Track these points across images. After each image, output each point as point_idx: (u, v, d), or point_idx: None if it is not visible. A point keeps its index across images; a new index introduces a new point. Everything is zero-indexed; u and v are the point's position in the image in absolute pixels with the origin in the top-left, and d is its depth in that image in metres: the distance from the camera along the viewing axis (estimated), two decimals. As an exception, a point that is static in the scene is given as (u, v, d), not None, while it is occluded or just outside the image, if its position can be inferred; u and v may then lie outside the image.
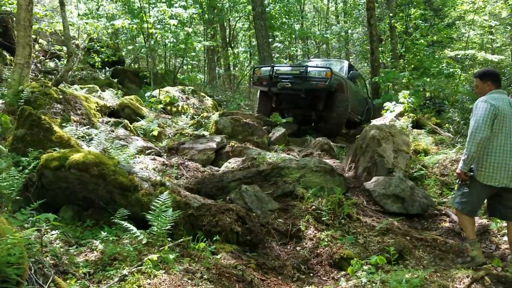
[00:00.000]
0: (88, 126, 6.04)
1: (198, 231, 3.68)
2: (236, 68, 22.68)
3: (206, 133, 7.75)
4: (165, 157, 6.56)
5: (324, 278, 3.51)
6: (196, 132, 7.66)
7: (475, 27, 19.62)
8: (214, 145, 6.98)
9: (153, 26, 9.84)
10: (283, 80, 8.15)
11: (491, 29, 21.42)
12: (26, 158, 3.92)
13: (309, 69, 8.15)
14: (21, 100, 6.03)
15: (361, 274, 3.10)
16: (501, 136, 3.45)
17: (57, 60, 11.70)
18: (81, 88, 8.32)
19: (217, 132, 7.77)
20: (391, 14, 17.89)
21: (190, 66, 17.57)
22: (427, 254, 3.94)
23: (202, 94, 10.84)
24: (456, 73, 18.23)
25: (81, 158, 3.53)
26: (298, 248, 3.97)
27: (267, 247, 3.96)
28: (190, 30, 10.60)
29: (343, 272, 3.51)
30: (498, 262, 3.58)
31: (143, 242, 2.82)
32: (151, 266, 2.60)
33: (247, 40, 23.72)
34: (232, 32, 21.78)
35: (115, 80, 11.63)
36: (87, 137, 5.36)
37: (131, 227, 2.85)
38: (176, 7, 9.55)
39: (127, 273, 2.49)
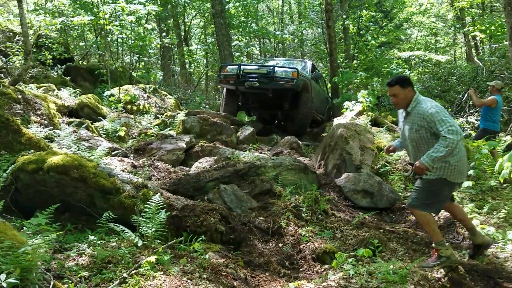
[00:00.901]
0: (51, 127, 5.78)
1: (182, 232, 3.68)
2: (193, 66, 22.44)
3: (172, 132, 7.65)
4: (132, 158, 6.41)
5: (308, 273, 3.62)
6: (162, 132, 7.54)
7: (422, 29, 20.71)
8: (183, 145, 6.92)
9: (111, 23, 9.52)
10: (250, 79, 8.22)
11: (436, 30, 22.70)
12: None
13: (276, 69, 8.26)
14: (-24, 100, 5.67)
15: (347, 267, 3.23)
16: None
17: (3, 58, 11.02)
18: (37, 87, 7.91)
19: (185, 131, 7.69)
20: (344, 16, 18.48)
21: (143, 64, 17.18)
22: (401, 246, 4.17)
23: (164, 92, 10.67)
24: (404, 72, 19.20)
25: (61, 161, 3.40)
26: (280, 244, 4.06)
27: (250, 245, 4.01)
28: (150, 27, 10.38)
29: (326, 266, 3.64)
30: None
31: (139, 245, 2.77)
32: (149, 268, 2.58)
33: (203, 38, 23.55)
34: (187, 29, 21.52)
35: (68, 78, 11.14)
36: (55, 139, 5.12)
37: (126, 230, 2.80)
38: (134, 4, 9.28)
39: (126, 276, 2.46)
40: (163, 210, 3.06)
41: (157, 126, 8.07)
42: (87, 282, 2.44)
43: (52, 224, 2.78)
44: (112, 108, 8.52)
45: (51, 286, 2.08)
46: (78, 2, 13.38)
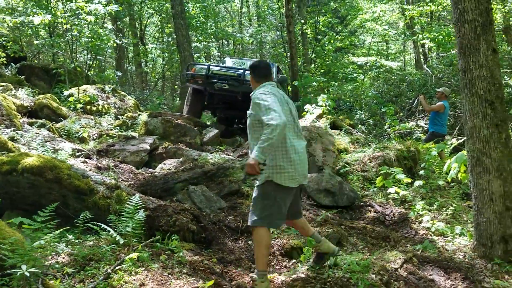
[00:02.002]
0: (13, 128, 5.63)
1: (155, 231, 3.77)
2: (149, 65, 22.16)
3: (135, 134, 7.64)
4: (95, 159, 6.36)
5: (278, 267, 3.82)
6: (124, 133, 7.50)
7: (375, 35, 21.68)
8: (147, 146, 6.94)
9: (70, 22, 9.32)
10: (220, 81, 8.30)
11: (387, 37, 23.84)
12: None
13: (246, 72, 8.29)
14: None
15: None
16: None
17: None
18: (-7, 86, 7.62)
19: (148, 133, 7.71)
20: (302, 21, 19.01)
21: (97, 63, 16.79)
22: (360, 241, 4.48)
23: (123, 93, 10.55)
24: (359, 77, 20.07)
25: (35, 162, 3.40)
26: (249, 242, 4.24)
27: (221, 243, 4.17)
28: (110, 27, 10.23)
29: (294, 260, 3.87)
30: (425, 245, 4.19)
31: (120, 242, 2.86)
32: (131, 264, 2.68)
33: (159, 37, 23.31)
34: (143, 28, 21.24)
35: (22, 77, 10.74)
36: (21, 140, 5.02)
37: (108, 228, 2.87)
38: (95, 3, 9.14)
39: (110, 271, 2.55)
40: (142, 210, 3.16)
41: (118, 127, 8.02)
42: (71, 278, 2.51)
43: (31, 224, 2.79)
44: (71, 108, 8.36)
45: (40, 282, 2.14)
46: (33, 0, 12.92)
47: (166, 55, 20.79)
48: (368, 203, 5.57)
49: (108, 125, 8.03)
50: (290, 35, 11.74)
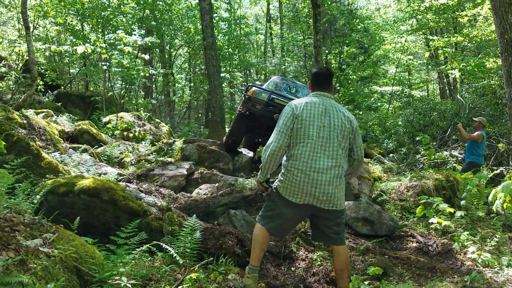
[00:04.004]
0: (59, 152, 5.85)
1: (203, 253, 3.82)
2: (178, 95, 22.74)
3: (171, 159, 7.79)
4: (136, 183, 6.50)
5: (324, 295, 3.80)
6: (162, 159, 7.67)
7: (399, 65, 21.78)
8: (184, 171, 7.07)
9: (109, 52, 9.75)
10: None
11: (413, 67, 23.93)
12: (21, 184, 3.79)
13: None
14: (-16, 124, 5.70)
15: (364, 288, 3.43)
16: (303, 145, 2.98)
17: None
18: (36, 113, 7.96)
19: (184, 158, 7.86)
20: (326, 51, 19.32)
21: (130, 92, 17.35)
22: (406, 271, 4.40)
23: (157, 120, 10.83)
24: (382, 106, 20.10)
25: (91, 183, 3.53)
26: (292, 268, 4.23)
27: (264, 268, 4.17)
28: (147, 57, 10.64)
29: (341, 288, 3.83)
30: (473, 276, 4.09)
31: (180, 262, 2.91)
32: (190, 285, 2.72)
33: (186, 67, 24.01)
34: (173, 59, 21.95)
35: (59, 104, 11.19)
36: (71, 163, 5.21)
37: (169, 248, 2.93)
38: (134, 34, 9.56)
39: (171, 292, 2.60)
40: (198, 231, 3.22)
41: (155, 153, 8.20)
42: (134, 299, 2.56)
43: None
44: (109, 134, 8.62)
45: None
46: (70, 30, 13.62)
47: (192, 85, 21.36)
48: (409, 233, 5.48)
49: (146, 150, 8.23)
50: (318, 64, 11.89)
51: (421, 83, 27.12)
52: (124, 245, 2.84)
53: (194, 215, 3.47)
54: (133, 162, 7.55)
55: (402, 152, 9.74)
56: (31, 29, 12.26)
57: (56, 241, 2.10)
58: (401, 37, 20.12)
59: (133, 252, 2.61)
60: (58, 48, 7.93)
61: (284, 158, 3.11)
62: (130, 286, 1.93)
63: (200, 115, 24.64)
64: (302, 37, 21.59)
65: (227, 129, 15.64)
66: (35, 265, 1.76)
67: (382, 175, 7.78)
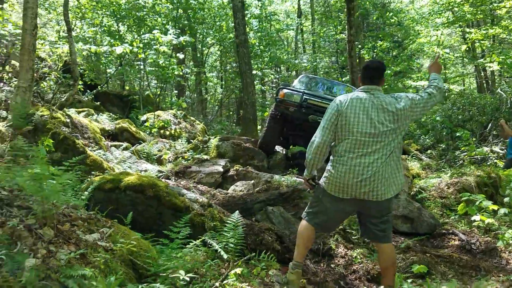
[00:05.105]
0: (102, 150, 6.06)
1: (244, 249, 3.87)
2: (210, 93, 23.01)
3: (206, 157, 7.92)
4: (173, 180, 6.66)
5: (366, 293, 3.77)
6: (198, 156, 7.80)
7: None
8: (220, 168, 7.16)
9: (146, 52, 9.98)
10: (315, 113, 7.35)
11: (449, 61, 23.19)
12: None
13: None
14: (31, 123, 5.97)
15: (407, 286, 3.38)
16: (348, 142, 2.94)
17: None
18: (77, 112, 8.27)
19: (219, 156, 7.96)
20: (359, 46, 19.01)
21: (163, 91, 17.65)
22: (449, 269, 4.30)
23: (192, 118, 11.01)
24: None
25: (136, 180, 3.65)
26: (332, 265, 4.22)
27: (303, 265, 4.18)
28: (181, 56, 10.83)
29: (382, 286, 3.78)
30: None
31: (224, 257, 2.97)
32: (235, 279, 2.77)
33: (217, 66, 24.23)
34: (205, 58, 22.19)
35: (98, 103, 11.57)
36: (114, 161, 5.39)
37: (214, 244, 2.99)
38: (169, 34, 9.74)
39: (218, 285, 2.65)
40: (240, 227, 3.27)
41: (191, 150, 8.35)
42: (182, 291, 2.63)
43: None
44: (147, 132, 8.84)
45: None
46: (106, 30, 14.02)
47: (224, 83, 21.57)
48: (450, 231, 5.34)
49: (182, 148, 8.39)
50: (351, 60, 11.78)
51: (457, 77, 26.23)
52: (171, 240, 2.91)
53: (237, 211, 3.52)
54: (170, 160, 7.72)
55: (440, 148, 9.48)
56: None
57: (112, 235, 2.20)
58: (436, 30, 19.51)
59: (186, 246, 2.68)
60: (98, 48, 8.17)
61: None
62: (188, 279, 2.00)
63: (231, 113, 24.83)
64: (334, 32, 21.36)
65: (259, 127, 15.70)
66: (94, 259, 1.85)
67: (421, 172, 7.61)
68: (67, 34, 15.56)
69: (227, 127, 19.93)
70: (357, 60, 19.65)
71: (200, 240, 2.93)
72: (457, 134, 8.51)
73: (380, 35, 19.78)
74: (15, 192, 2.06)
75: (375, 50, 19.86)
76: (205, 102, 23.07)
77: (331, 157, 3.10)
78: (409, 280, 3.53)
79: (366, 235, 3.30)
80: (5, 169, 2.42)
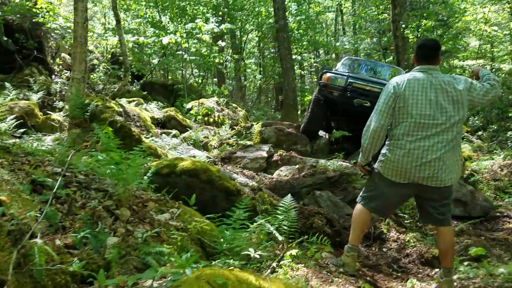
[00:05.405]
0: (154, 138, 6.30)
1: (294, 232, 3.95)
2: (250, 79, 23.10)
3: (250, 142, 8.03)
4: (220, 165, 6.82)
5: (419, 276, 3.75)
6: (242, 142, 7.93)
7: (481, 37, 20.12)
8: (264, 153, 7.26)
9: (190, 42, 10.17)
10: (361, 97, 7.24)
11: (498, 39, 21.98)
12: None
13: None
14: (87, 113, 6.29)
15: (464, 269, 3.35)
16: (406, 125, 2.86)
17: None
18: (128, 101, 8.60)
19: (262, 141, 8.05)
20: (403, 25, 18.36)
21: (202, 79, 17.88)
22: (504, 252, 4.20)
23: (234, 105, 11.16)
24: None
25: (191, 165, 3.80)
26: (384, 249, 4.22)
27: (354, 248, 4.22)
28: (223, 44, 10.95)
29: (437, 269, 3.76)
30: None
31: (280, 239, 3.06)
32: (291, 261, 2.85)
33: (255, 52, 24.21)
34: (243, 45, 22.24)
35: (145, 93, 11.95)
36: (166, 147, 5.61)
37: (268, 226, 3.09)
38: (212, 23, 9.86)
39: (275, 265, 2.74)
40: (293, 210, 3.35)
41: (235, 136, 8.50)
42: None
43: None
44: (192, 120, 9.07)
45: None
46: (150, 22, 14.35)
47: (262, 69, 21.55)
48: (505, 214, 5.18)
49: (226, 134, 8.55)
50: (396, 40, 11.46)
51: (506, 56, 24.77)
52: (225, 222, 3.03)
53: (289, 195, 3.59)
54: (215, 146, 7.90)
55: (491, 130, 9.10)
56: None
57: (181, 215, 2.33)
58: (483, 7, 18.49)
59: (247, 228, 2.78)
60: (146, 40, 8.42)
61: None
62: (258, 256, 2.10)
63: (269, 99, 24.83)
64: (376, 12, 20.72)
65: (299, 112, 15.63)
66: (167, 237, 1.99)
67: (472, 154, 7.37)
68: (113, 26, 16.18)
69: (267, 113, 20.00)
70: (402, 39, 19.08)
71: (256, 222, 3.02)
72: (509, 114, 8.13)
73: (425, 14, 18.99)
74: (91, 176, 2.24)
75: (419, 30, 19.13)
76: (244, 88, 23.20)
77: (386, 141, 3.06)
78: (465, 263, 3.49)
79: (425, 219, 3.23)
80: (79, 155, 2.61)
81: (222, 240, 2.35)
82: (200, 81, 13.72)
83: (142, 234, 1.92)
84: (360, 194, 3.29)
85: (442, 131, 2.80)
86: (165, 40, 8.43)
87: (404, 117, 2.85)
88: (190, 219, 2.36)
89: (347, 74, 7.71)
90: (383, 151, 3.01)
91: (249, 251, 2.21)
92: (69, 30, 9.34)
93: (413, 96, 2.83)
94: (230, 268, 1.71)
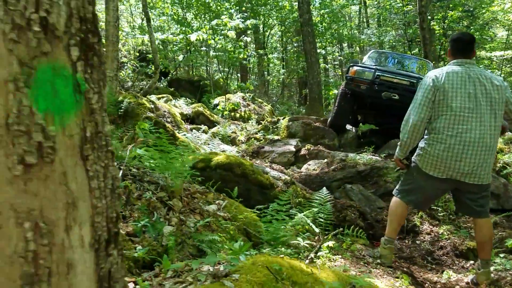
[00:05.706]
0: (185, 133, 6.46)
1: (329, 225, 4.02)
2: (272, 74, 23.11)
3: (277, 137, 8.10)
4: (248, 160, 6.93)
5: (454, 267, 3.77)
6: (269, 137, 8.02)
7: (510, 28, 19.54)
8: (292, 148, 7.33)
9: (216, 38, 10.28)
10: (389, 90, 7.13)
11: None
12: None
13: (420, 80, 6.74)
14: (121, 110, 6.49)
15: (500, 260, 3.35)
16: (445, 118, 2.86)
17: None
18: (157, 98, 8.79)
19: (289, 136, 8.11)
20: (429, 17, 18.01)
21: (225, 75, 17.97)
22: (540, 246, 4.16)
23: (260, 100, 11.24)
24: (494, 73, 18.23)
25: (225, 159, 3.91)
26: (417, 242, 4.24)
27: (387, 241, 4.26)
28: (248, 39, 11.02)
29: (471, 262, 3.76)
30: None
31: (316, 231, 3.14)
32: (328, 252, 2.93)
33: (278, 47, 24.17)
34: (266, 39, 22.25)
35: (172, 89, 12.16)
36: (198, 142, 5.75)
37: (304, 217, 3.16)
38: (237, 18, 9.94)
39: (313, 256, 2.82)
40: (329, 203, 3.42)
41: (262, 131, 8.58)
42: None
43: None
44: (219, 115, 9.20)
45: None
46: (175, 19, 14.55)
47: (285, 63, 21.52)
48: (540, 207, 5.10)
49: (253, 129, 8.65)
50: (423, 32, 11.28)
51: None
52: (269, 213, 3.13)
53: (324, 188, 3.66)
54: (243, 140, 8.01)
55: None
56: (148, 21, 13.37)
57: (227, 207, 2.44)
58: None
59: (289, 221, 2.88)
60: (174, 37, 8.59)
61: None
62: (307, 245, 2.19)
63: (292, 93, 24.78)
64: (401, 4, 20.38)
65: (324, 106, 15.57)
66: (216, 227, 2.10)
67: (504, 147, 7.23)
68: (139, 25, 16.47)
69: (291, 107, 20.00)
70: (429, 31, 18.73)
71: (297, 215, 3.10)
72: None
73: (451, 5, 18.58)
74: (142, 169, 2.37)
75: (445, 21, 18.74)
76: (267, 83, 23.22)
77: (425, 135, 3.08)
78: (501, 255, 3.49)
79: (463, 210, 3.28)
80: (132, 150, 2.74)
81: (267, 230, 2.45)
82: (225, 77, 13.84)
83: (194, 223, 2.03)
84: (397, 188, 3.32)
85: (482, 126, 2.79)
86: (193, 37, 8.57)
87: (444, 110, 2.86)
88: (235, 210, 2.46)
89: (374, 67, 7.63)
90: (422, 144, 3.02)
91: (298, 240, 2.29)
92: (101, 29, 9.57)
93: (452, 89, 2.83)
94: (281, 256, 1.80)
